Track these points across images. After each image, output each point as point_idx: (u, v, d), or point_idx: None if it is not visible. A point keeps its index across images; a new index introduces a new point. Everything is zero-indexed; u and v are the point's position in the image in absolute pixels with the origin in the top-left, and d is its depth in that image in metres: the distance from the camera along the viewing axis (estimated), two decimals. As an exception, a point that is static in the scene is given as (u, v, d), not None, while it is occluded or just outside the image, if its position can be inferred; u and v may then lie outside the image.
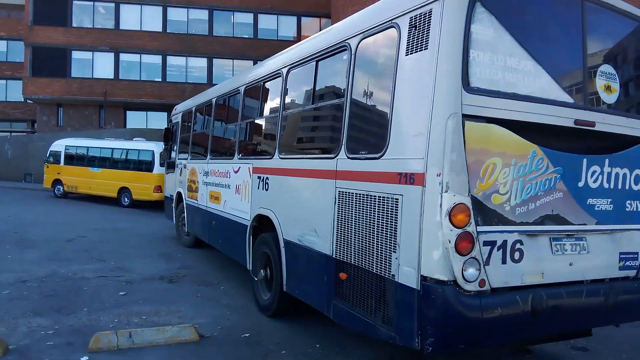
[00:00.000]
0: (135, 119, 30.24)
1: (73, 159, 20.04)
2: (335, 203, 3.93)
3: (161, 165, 15.40)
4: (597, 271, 3.54)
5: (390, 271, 3.22)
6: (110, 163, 18.72)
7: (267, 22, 29.78)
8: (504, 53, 3.12)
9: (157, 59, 28.98)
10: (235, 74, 6.84)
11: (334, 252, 3.93)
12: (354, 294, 3.67)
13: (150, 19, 28.82)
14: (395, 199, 3.20)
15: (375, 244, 3.39)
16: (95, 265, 7.65)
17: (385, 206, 3.29)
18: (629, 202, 3.73)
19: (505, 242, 3.09)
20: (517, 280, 3.13)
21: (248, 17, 29.56)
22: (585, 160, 3.43)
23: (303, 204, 4.67)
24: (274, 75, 5.51)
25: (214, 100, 7.83)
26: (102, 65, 28.78)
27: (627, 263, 3.71)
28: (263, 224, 5.48)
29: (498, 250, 3.07)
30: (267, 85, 5.79)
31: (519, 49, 3.16)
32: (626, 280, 3.70)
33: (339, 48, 4.18)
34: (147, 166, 17.56)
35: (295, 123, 5.20)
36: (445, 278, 2.88)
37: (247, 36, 29.67)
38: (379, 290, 3.36)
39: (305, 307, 4.64)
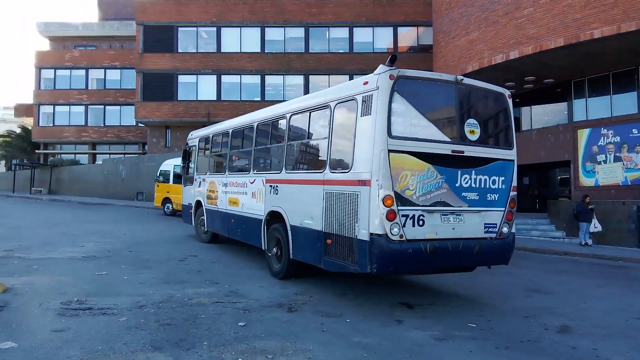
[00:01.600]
0: (235, 138, 31.03)
1: (181, 178, 20.65)
2: (323, 198, 6.73)
3: (177, 178, 16.30)
4: (470, 233, 6.37)
5: (355, 233, 5.98)
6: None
7: (362, 35, 29.30)
8: (410, 117, 6.03)
9: (256, 79, 29.60)
10: (247, 114, 10.52)
11: (323, 228, 6.69)
12: (335, 251, 6.43)
13: (249, 41, 29.57)
14: (356, 194, 6.02)
15: (346, 219, 6.18)
16: (209, 288, 7.21)
17: (352, 198, 6.11)
18: (488, 194, 6.54)
19: (414, 215, 5.91)
20: (421, 236, 5.96)
21: (343, 32, 29.30)
22: (459, 171, 6.26)
23: (303, 201, 7.39)
24: (281, 117, 8.41)
25: (230, 131, 10.74)
26: (205, 88, 29.96)
27: (489, 229, 6.56)
28: (273, 217, 8.31)
29: (410, 219, 5.88)
30: (275, 123, 8.73)
31: (419, 115, 6.12)
32: (488, 240, 6.55)
33: (324, 107, 7.12)
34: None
35: (296, 150, 8.07)
36: (382, 233, 5.68)
37: (342, 51, 29.37)
38: (348, 245, 6.13)
39: (300, 271, 7.90)
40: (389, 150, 5.77)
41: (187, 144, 14.01)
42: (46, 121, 38.20)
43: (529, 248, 14.15)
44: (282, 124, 8.35)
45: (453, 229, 6.27)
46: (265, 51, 29.46)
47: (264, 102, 29.10)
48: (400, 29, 29.28)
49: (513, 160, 6.94)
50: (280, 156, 8.34)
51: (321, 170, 6.89)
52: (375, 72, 6.09)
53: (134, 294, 6.70)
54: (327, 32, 29.41)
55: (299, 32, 29.37)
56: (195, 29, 30.04)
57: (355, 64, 28.86)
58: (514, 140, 7.05)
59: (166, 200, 21.11)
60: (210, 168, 12.01)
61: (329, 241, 6.59)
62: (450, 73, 19.24)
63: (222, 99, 29.77)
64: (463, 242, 6.29)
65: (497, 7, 17.34)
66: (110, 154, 38.55)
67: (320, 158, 7.17)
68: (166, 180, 21.22)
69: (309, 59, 29.14)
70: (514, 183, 6.89)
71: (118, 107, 37.43)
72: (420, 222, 6.01)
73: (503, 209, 6.73)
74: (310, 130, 7.59)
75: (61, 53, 38.03)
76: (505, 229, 6.76)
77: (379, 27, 29.22)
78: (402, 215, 5.84)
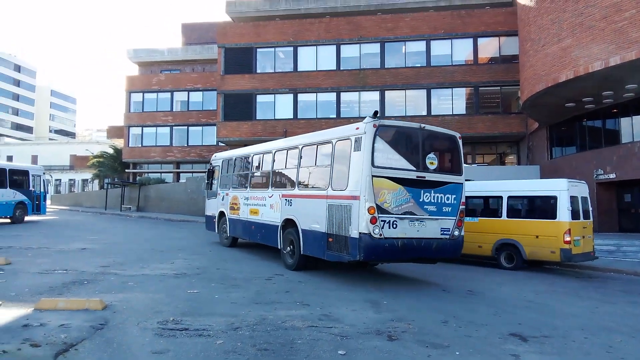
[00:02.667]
0: (311, 156, 31.18)
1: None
2: (326, 209, 9.34)
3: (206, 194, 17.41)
4: (430, 235, 9.03)
5: (348, 233, 8.60)
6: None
7: (440, 47, 28.54)
8: (387, 153, 8.77)
9: (331, 97, 29.67)
10: (267, 144, 13.38)
11: (327, 230, 9.30)
12: (335, 246, 9.05)
13: (325, 58, 29.78)
14: (350, 205, 8.66)
15: (343, 223, 8.81)
16: (300, 310, 6.94)
17: (347, 208, 8.73)
18: (443, 207, 9.24)
19: (389, 220, 8.54)
20: (395, 235, 8.58)
21: (420, 45, 28.72)
22: (422, 191, 8.97)
23: (311, 210, 9.98)
24: (295, 147, 11.23)
25: (252, 155, 13.64)
26: (282, 107, 30.47)
27: (444, 232, 9.22)
28: (287, 223, 10.92)
29: (386, 223, 8.51)
30: (289, 152, 11.47)
31: (393, 151, 8.87)
32: (443, 240, 9.22)
33: (328, 142, 9.87)
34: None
35: (306, 172, 10.63)
36: (367, 232, 8.33)
37: (419, 65, 28.74)
38: (344, 242, 8.73)
39: (307, 264, 10.53)
40: (373, 176, 8.57)
41: (210, 164, 16.56)
42: (135, 142, 40.64)
43: (641, 272, 12.68)
44: (295, 152, 11.17)
45: (418, 231, 8.99)
46: (341, 68, 29.50)
47: (339, 120, 29.07)
48: (480, 40, 28.19)
49: (462, 183, 9.78)
50: (293, 177, 11.17)
51: (325, 188, 9.68)
52: (363, 121, 8.88)
53: (227, 314, 6.56)
54: (404, 47, 28.96)
55: (375, 47, 29.16)
56: (272, 49, 30.75)
57: (432, 77, 28.13)
58: (462, 169, 9.95)
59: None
60: (233, 184, 14.74)
61: (330, 239, 9.32)
62: (541, 83, 18.12)
63: (298, 117, 30.09)
64: (425, 241, 9.04)
65: (593, 11, 16.08)
66: (193, 172, 40.18)
67: (324, 179, 9.87)
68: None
69: (385, 74, 28.78)
70: (463, 199, 9.72)
71: (200, 128, 39.05)
72: (394, 226, 8.74)
73: (455, 217, 9.48)
74: (317, 159, 10.37)
75: (149, 77, 40.47)
76: (456, 233, 9.46)
77: (458, 39, 28.33)
78: (381, 220, 8.58)
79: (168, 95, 39.69)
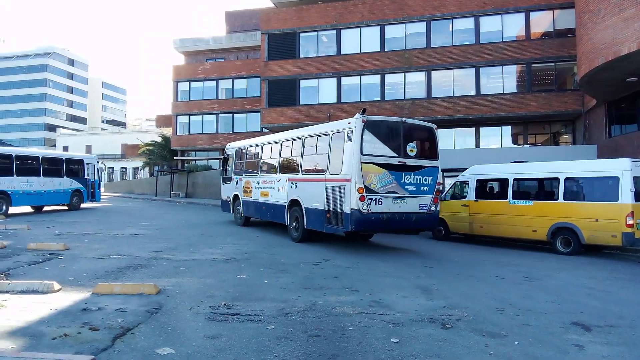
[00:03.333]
0: (356, 140, 30.86)
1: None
2: (325, 190, 11.27)
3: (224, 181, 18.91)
4: (410, 209, 10.91)
5: (342, 209, 10.61)
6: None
7: (489, 24, 27.33)
8: (374, 143, 10.62)
9: (375, 79, 29.11)
10: (275, 135, 15.63)
11: (325, 207, 11.24)
12: (331, 220, 11.01)
13: (368, 40, 29.19)
14: (343, 186, 10.62)
15: (338, 201, 10.76)
16: (350, 296, 6.84)
17: (341, 189, 10.72)
18: (422, 187, 11.10)
19: (375, 198, 10.45)
20: (380, 210, 10.52)
21: (468, 22, 27.60)
22: (403, 174, 10.86)
23: (312, 192, 11.84)
24: (298, 138, 13.17)
25: (262, 145, 15.75)
26: (326, 91, 30.20)
27: (422, 207, 11.06)
28: (293, 203, 12.88)
29: (373, 201, 10.42)
30: (294, 142, 13.50)
31: (379, 142, 10.74)
32: (421, 213, 11.07)
33: (326, 134, 11.79)
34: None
35: (309, 159, 12.55)
36: (357, 208, 10.25)
37: (467, 43, 27.67)
38: (339, 216, 10.70)
39: (310, 237, 12.57)
40: (361, 162, 10.44)
41: (225, 152, 19.01)
42: (182, 130, 41.52)
43: None
44: (299, 143, 13.17)
45: (399, 207, 10.89)
46: (385, 50, 28.83)
47: (384, 102, 28.59)
48: (532, 14, 26.77)
49: (437, 167, 11.61)
50: (298, 163, 13.19)
51: (324, 173, 11.68)
52: (354, 117, 10.75)
53: (277, 299, 6.55)
54: (451, 24, 27.91)
55: (420, 26, 28.27)
56: (315, 33, 30.44)
57: (481, 55, 27.03)
58: (437, 155, 11.74)
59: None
60: (245, 170, 16.87)
61: (328, 215, 11.31)
62: (601, 57, 17.02)
63: (342, 101, 29.75)
64: (405, 215, 10.95)
65: (659, -24, 14.87)
66: (238, 158, 40.64)
67: (323, 165, 11.83)
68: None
69: (431, 53, 27.91)
70: (439, 180, 11.78)
71: (245, 115, 39.40)
72: (380, 202, 10.63)
73: (431, 195, 11.39)
74: (317, 148, 12.36)
75: (194, 66, 41.09)
76: (432, 208, 11.41)
77: (509, 14, 27.00)
78: (369, 199, 10.46)
79: (213, 83, 40.20)
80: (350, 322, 5.57)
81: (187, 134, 41.08)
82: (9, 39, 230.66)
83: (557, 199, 12.51)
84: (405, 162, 10.98)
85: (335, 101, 29.83)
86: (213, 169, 39.09)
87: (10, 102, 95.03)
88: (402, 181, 10.90)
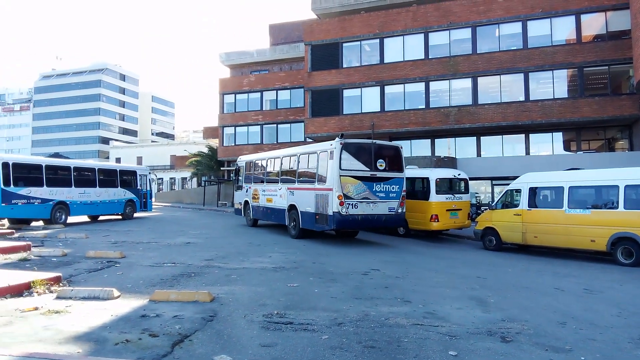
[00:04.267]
0: (400, 148, 30.58)
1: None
2: (315, 197, 14.30)
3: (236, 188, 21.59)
4: (381, 212, 13.97)
5: (327, 212, 13.62)
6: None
7: (538, 28, 26.55)
8: (350, 160, 13.67)
9: (420, 87, 28.81)
10: (277, 151, 19.11)
11: (315, 211, 14.27)
12: (320, 221, 14.03)
13: (412, 48, 28.97)
14: (327, 194, 13.61)
15: (324, 206, 13.79)
16: (403, 307, 6.73)
17: (325, 196, 13.72)
18: (390, 193, 14.17)
19: (352, 203, 13.44)
20: (356, 212, 13.53)
21: (515, 27, 26.92)
22: (374, 184, 13.90)
23: (306, 198, 14.84)
24: (294, 155, 16.35)
25: (267, 158, 18.94)
26: (369, 100, 30.14)
27: (391, 210, 14.13)
28: (291, 207, 15.71)
29: (350, 205, 13.39)
30: (291, 158, 16.49)
31: (354, 159, 13.76)
32: (390, 214, 14.13)
33: (314, 152, 14.93)
34: (422, 194, 16.80)
35: (303, 172, 15.47)
36: (337, 211, 13.29)
37: (515, 48, 26.98)
38: (325, 217, 13.74)
39: (304, 234, 15.49)
40: (340, 175, 13.30)
41: (237, 164, 22.01)
42: (228, 141, 42.40)
43: None
44: (295, 158, 16.25)
45: (372, 209, 13.79)
46: (429, 57, 28.51)
47: (428, 110, 28.24)
48: (583, 17, 25.82)
49: (403, 178, 14.55)
50: (294, 175, 16.08)
51: (313, 183, 14.65)
52: (335, 141, 13.61)
53: (329, 309, 6.53)
54: (497, 30, 27.31)
55: (465, 33, 27.79)
56: (358, 42, 30.50)
57: (530, 60, 26.27)
58: (403, 168, 14.68)
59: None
60: (253, 180, 19.83)
61: (317, 217, 14.18)
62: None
63: (385, 109, 29.60)
64: (377, 215, 13.90)
65: None
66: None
67: (313, 177, 14.78)
68: (337, 192, 21.60)
69: (477, 59, 27.36)
70: (404, 188, 14.56)
71: (288, 125, 39.86)
72: (356, 206, 13.49)
73: (398, 200, 14.26)
74: (308, 163, 15.27)
75: (239, 79, 41.99)
76: (399, 210, 14.30)
77: (558, 17, 26.17)
78: (347, 203, 13.29)
79: (258, 95, 40.93)
80: (405, 334, 5.48)
81: (233, 144, 41.91)
82: (65, 56, 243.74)
83: (616, 208, 11.91)
84: (376, 175, 14.03)
85: (379, 110, 29.73)
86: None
87: (66, 116, 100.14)
88: (374, 189, 13.94)
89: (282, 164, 17.19)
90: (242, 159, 21.37)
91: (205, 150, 47.97)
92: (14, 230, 16.37)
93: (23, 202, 18.07)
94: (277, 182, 17.21)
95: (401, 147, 14.85)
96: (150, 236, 15.83)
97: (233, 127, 42.14)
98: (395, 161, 14.58)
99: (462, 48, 28.01)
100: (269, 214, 17.94)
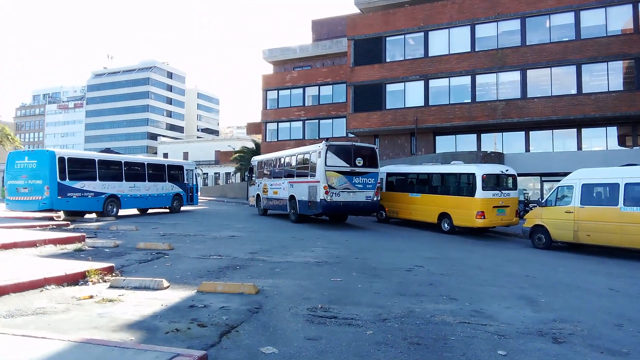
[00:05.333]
0: (444, 144, 30.04)
1: (394, 185, 20.64)
2: (308, 188, 17.96)
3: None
4: (359, 199, 17.50)
5: (316, 199, 17.27)
6: (430, 188, 18.41)
7: (591, 18, 25.35)
8: (334, 158, 17.22)
9: (466, 80, 28.13)
10: (281, 152, 23.44)
11: (308, 199, 17.94)
12: (311, 206, 17.80)
13: (458, 41, 28.31)
14: (317, 185, 17.23)
15: (314, 195, 17.44)
16: (448, 305, 6.62)
17: (315, 187, 17.37)
18: (367, 185, 17.67)
19: (335, 192, 16.95)
20: (338, 199, 17.07)
21: (567, 17, 25.80)
22: (354, 177, 17.36)
23: (301, 189, 18.44)
24: (294, 154, 20.52)
25: (274, 158, 22.75)
26: (412, 94, 29.72)
27: (367, 198, 17.61)
28: (291, 198, 19.34)
29: (334, 194, 16.94)
30: (291, 157, 20.61)
31: (337, 157, 17.30)
32: (367, 202, 17.63)
33: (307, 152, 18.90)
34: (468, 190, 16.44)
35: (300, 168, 19.32)
36: (324, 198, 16.85)
37: (566, 39, 25.88)
38: (315, 204, 17.42)
39: (301, 219, 19.24)
40: (326, 170, 16.78)
41: (250, 164, 26.16)
42: (271, 137, 42.90)
43: None
44: (294, 157, 19.97)
45: (352, 197, 17.16)
46: (476, 49, 27.78)
47: (474, 104, 27.57)
48: (642, 5, 24.46)
49: (377, 172, 17.88)
50: (293, 171, 19.65)
51: (307, 177, 17.94)
52: (322, 143, 17.31)
53: (373, 304, 6.50)
54: (548, 20, 26.25)
55: (514, 24, 26.87)
56: (402, 36, 30.09)
57: (583, 51, 25.14)
58: (377, 165, 17.93)
59: (379, 207, 21.30)
60: (263, 176, 23.51)
61: (309, 204, 17.60)
62: None
63: (429, 104, 29.10)
64: (356, 202, 17.31)
65: None
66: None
67: (307, 172, 18.16)
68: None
69: (527, 52, 26.42)
70: (379, 180, 17.95)
71: (330, 120, 39.88)
72: (339, 195, 16.90)
73: (373, 190, 17.51)
74: (304, 161, 18.68)
75: (282, 75, 42.35)
76: (375, 198, 17.60)
77: (613, 7, 24.88)
78: (331, 192, 16.71)
79: (300, 90, 41.15)
80: (452, 332, 5.38)
81: (276, 140, 42.33)
82: (116, 55, 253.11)
83: (678, 206, 11.27)
84: (355, 170, 17.38)
85: (423, 104, 29.27)
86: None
87: (117, 113, 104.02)
88: (353, 181, 17.31)
89: (284, 162, 21.12)
90: (255, 159, 25.55)
91: (249, 145, 48.71)
92: (69, 222, 17.18)
93: (77, 195, 18.93)
94: (281, 177, 20.88)
95: (376, 148, 18.79)
96: (197, 229, 16.24)
97: (276, 123, 42.56)
98: (372, 159, 17.91)
99: (510, 40, 27.15)
100: (275, 204, 21.54)
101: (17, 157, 18.85)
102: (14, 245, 10.38)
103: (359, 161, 17.27)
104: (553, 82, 26.06)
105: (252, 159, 25.96)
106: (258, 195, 23.74)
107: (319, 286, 7.57)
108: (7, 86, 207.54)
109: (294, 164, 19.86)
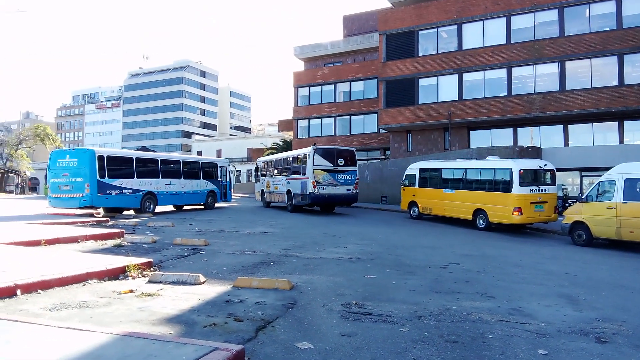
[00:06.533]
0: (479, 138, 29.45)
1: (427, 181, 20.40)
2: (300, 183, 22.13)
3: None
4: (341, 192, 21.76)
5: (306, 192, 21.38)
6: (465, 184, 18.10)
7: (634, 6, 24.34)
8: (320, 159, 21.36)
9: (501, 73, 27.49)
10: (280, 154, 28.61)
11: (300, 192, 22.08)
12: (302, 198, 21.95)
13: (493, 33, 27.70)
14: (307, 181, 21.34)
15: (305, 188, 21.53)
16: (485, 302, 6.50)
17: (305, 182, 21.51)
18: (347, 180, 21.93)
19: (321, 186, 21.16)
20: (324, 192, 21.28)
21: (608, 6, 24.86)
22: (337, 174, 21.52)
23: (296, 184, 22.61)
24: (290, 156, 24.87)
25: (274, 159, 26.97)
26: (446, 89, 29.27)
27: (348, 190, 21.85)
28: (288, 191, 23.53)
29: (320, 187, 21.11)
30: (288, 158, 24.90)
31: (323, 159, 21.39)
32: (347, 194, 21.96)
33: (300, 154, 23.08)
34: (504, 186, 16.09)
35: (295, 167, 23.31)
36: (312, 191, 21.01)
37: (607, 29, 24.94)
38: (305, 196, 21.53)
39: (296, 209, 23.30)
40: (314, 169, 20.92)
41: (256, 164, 29.74)
42: (302, 133, 43.05)
43: None
44: (291, 158, 23.97)
45: (335, 190, 21.37)
46: (512, 42, 27.10)
47: (510, 98, 26.94)
48: (690, -10, 23.33)
49: (356, 170, 22.17)
50: (289, 169, 23.59)
51: (300, 174, 21.96)
52: (310, 147, 21.43)
53: (408, 301, 6.45)
54: (587, 10, 25.36)
55: (552, 14, 26.09)
56: (435, 30, 29.65)
57: (625, 41, 24.16)
58: (356, 164, 22.33)
59: (412, 203, 21.13)
60: (267, 174, 27.04)
61: (301, 196, 21.75)
62: None
63: (463, 98, 28.59)
64: (338, 195, 21.59)
65: None
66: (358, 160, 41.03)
67: (299, 170, 22.19)
68: (412, 184, 21.23)
69: (565, 43, 25.60)
70: (357, 176, 22.19)
71: (362, 116, 39.70)
72: (324, 188, 21.09)
73: (353, 184, 21.86)
74: (299, 161, 22.45)
75: (313, 72, 42.39)
76: (354, 191, 21.88)
77: (658, -7, 23.84)
78: (318, 187, 20.92)
79: (331, 87, 41.10)
80: (490, 330, 5.28)
81: (307, 137, 42.43)
82: (151, 55, 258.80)
83: None
84: (337, 168, 21.25)
85: (457, 98, 28.80)
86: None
87: (152, 112, 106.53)
88: (337, 177, 21.22)
89: (283, 162, 24.98)
90: (260, 160, 29.73)
91: (281, 143, 48.99)
92: (108, 219, 17.71)
93: (116, 192, 19.48)
94: (280, 175, 24.74)
95: (355, 150, 22.74)
96: (231, 225, 16.46)
97: (307, 120, 42.67)
98: (351, 160, 21.99)
99: (548, 31, 26.38)
100: (276, 198, 25.34)
101: (58, 155, 19.53)
102: (57, 241, 10.79)
103: (341, 161, 21.43)
104: (593, 73, 25.19)
105: (257, 160, 30.82)
106: (262, 190, 27.84)
107: (353, 282, 7.56)
108: (48, 88, 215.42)
109: (289, 163, 23.92)
